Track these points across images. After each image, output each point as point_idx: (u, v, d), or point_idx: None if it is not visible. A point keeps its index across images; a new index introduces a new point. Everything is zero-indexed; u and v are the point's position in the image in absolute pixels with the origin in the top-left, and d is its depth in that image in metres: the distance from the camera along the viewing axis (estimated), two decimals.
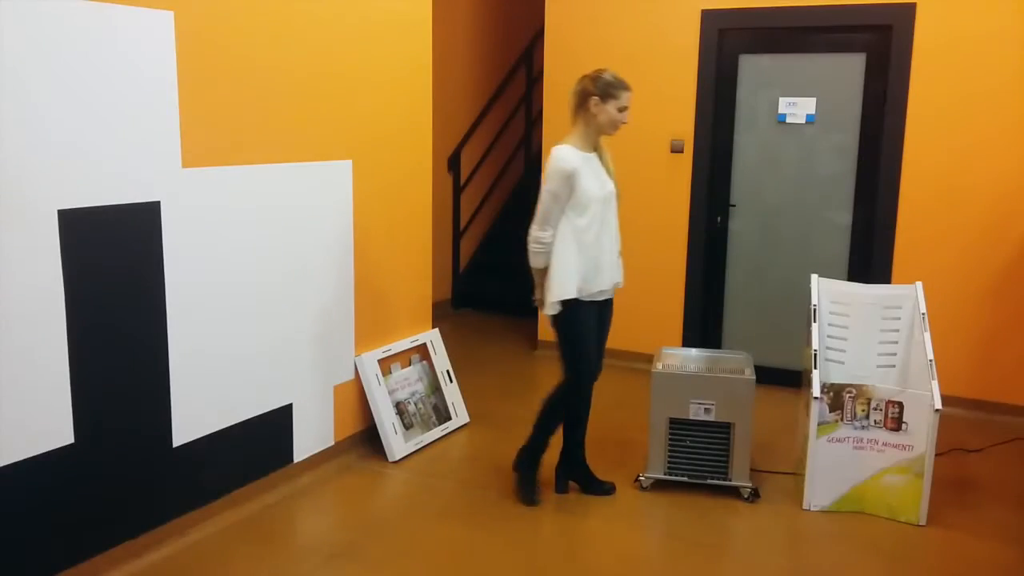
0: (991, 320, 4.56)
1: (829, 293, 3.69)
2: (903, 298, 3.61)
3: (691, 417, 3.54)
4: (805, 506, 3.48)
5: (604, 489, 3.62)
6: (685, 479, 3.60)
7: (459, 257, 7.00)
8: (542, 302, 3.39)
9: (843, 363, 3.64)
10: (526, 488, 3.53)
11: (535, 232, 3.29)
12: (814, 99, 4.79)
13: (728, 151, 5.01)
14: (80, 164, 2.68)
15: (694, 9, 4.96)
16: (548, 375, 5.27)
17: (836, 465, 3.43)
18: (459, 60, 6.72)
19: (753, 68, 4.92)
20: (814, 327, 3.57)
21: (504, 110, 7.32)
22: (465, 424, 4.38)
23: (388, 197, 4.05)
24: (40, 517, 2.69)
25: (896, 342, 3.59)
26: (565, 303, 3.29)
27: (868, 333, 3.51)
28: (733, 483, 3.56)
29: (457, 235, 6.93)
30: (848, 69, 4.72)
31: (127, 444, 2.93)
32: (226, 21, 3.11)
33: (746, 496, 3.54)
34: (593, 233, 3.28)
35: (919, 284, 3.58)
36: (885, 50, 4.61)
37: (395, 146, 4.06)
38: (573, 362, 3.39)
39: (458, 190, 6.86)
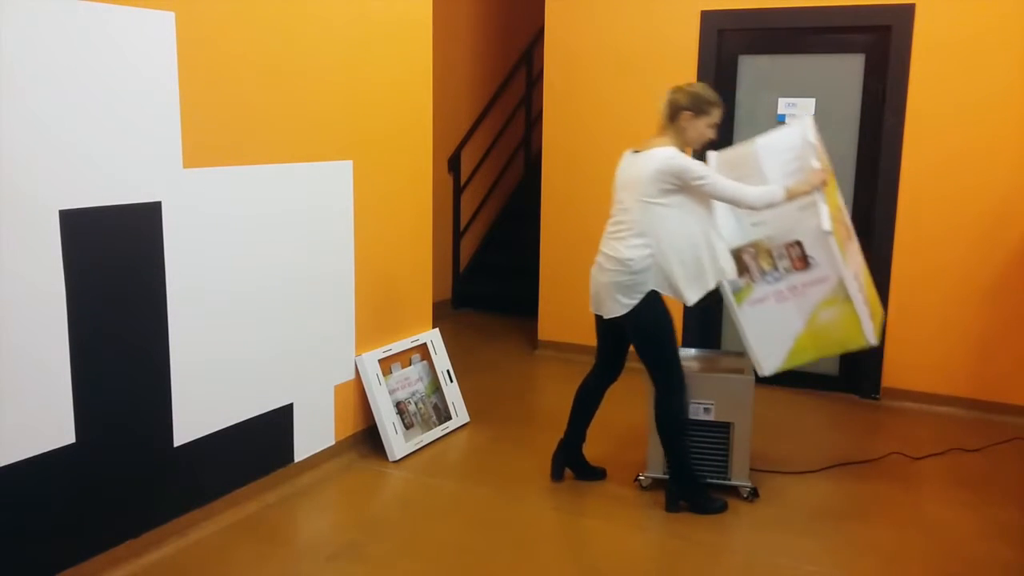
0: (991, 320, 4.57)
1: (727, 163, 3.57)
2: (791, 137, 3.46)
3: (691, 417, 3.54)
4: (761, 373, 3.47)
5: (597, 475, 3.66)
6: None
7: (459, 257, 7.00)
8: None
9: (765, 222, 3.46)
10: (706, 503, 3.45)
11: (750, 196, 3.18)
12: (813, 100, 4.80)
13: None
14: (81, 165, 2.68)
15: (694, 10, 4.97)
16: (548, 375, 5.28)
17: (769, 325, 3.39)
18: (459, 60, 6.73)
19: (752, 69, 4.93)
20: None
21: (504, 110, 7.33)
22: (465, 424, 4.38)
23: (388, 197, 4.06)
24: (40, 517, 2.69)
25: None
26: (651, 303, 3.26)
27: (775, 182, 3.40)
28: (733, 482, 3.56)
29: (457, 235, 6.94)
30: (847, 70, 4.73)
31: (128, 444, 2.94)
32: (226, 22, 3.12)
33: (745, 495, 3.55)
34: (703, 226, 3.27)
35: (808, 116, 3.46)
36: (884, 51, 4.62)
37: (395, 146, 4.07)
38: (671, 364, 3.34)
39: (458, 190, 6.86)
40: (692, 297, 3.26)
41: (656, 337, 3.33)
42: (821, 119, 4.80)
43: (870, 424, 4.50)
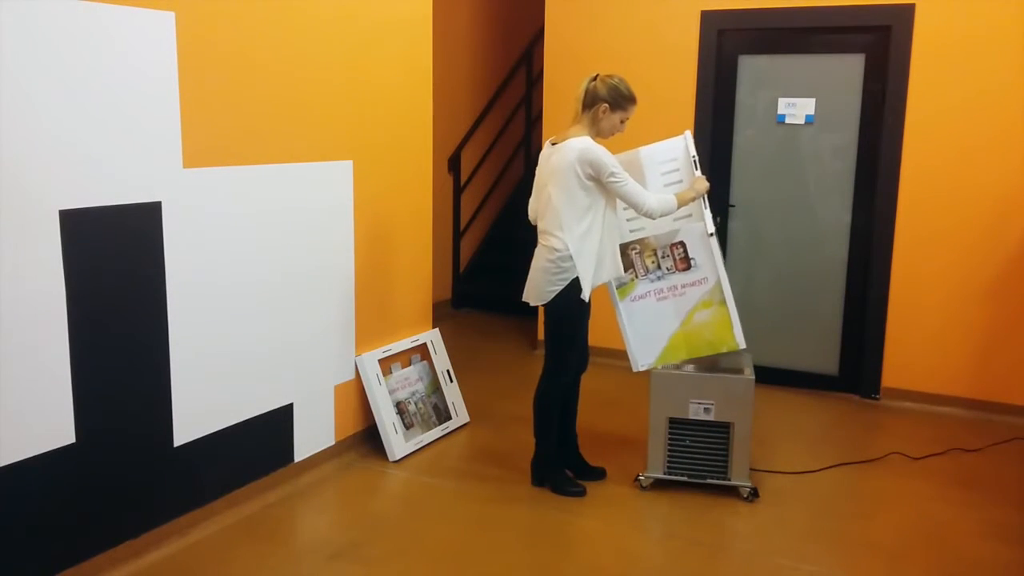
0: (991, 320, 4.57)
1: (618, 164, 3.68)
2: (674, 150, 3.60)
3: (691, 417, 3.54)
4: (634, 368, 3.58)
5: (596, 474, 3.70)
6: (685, 479, 3.61)
7: (459, 257, 7.00)
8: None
9: (644, 228, 3.61)
10: (565, 486, 3.58)
11: (650, 203, 3.29)
12: (813, 100, 4.79)
13: (727, 152, 5.02)
14: (81, 165, 2.68)
15: (694, 10, 4.96)
16: None
17: (647, 321, 3.53)
18: (459, 60, 6.73)
19: (752, 69, 4.93)
20: None
21: (504, 110, 7.32)
22: (465, 424, 4.38)
23: (388, 197, 4.06)
24: (40, 517, 2.69)
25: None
26: (570, 293, 3.35)
27: (653, 192, 3.52)
28: (732, 483, 3.56)
29: (457, 235, 6.94)
30: (847, 70, 4.72)
31: (128, 444, 2.94)
32: (226, 22, 3.11)
33: (745, 496, 3.55)
34: (610, 222, 3.41)
35: (687, 132, 3.61)
36: (884, 51, 4.62)
37: (395, 146, 4.07)
38: (565, 353, 3.48)
39: (458, 190, 6.86)
40: (585, 292, 3.38)
41: (561, 324, 3.45)
42: (821, 119, 4.80)
43: (870, 424, 4.50)
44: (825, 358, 4.96)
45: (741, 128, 4.98)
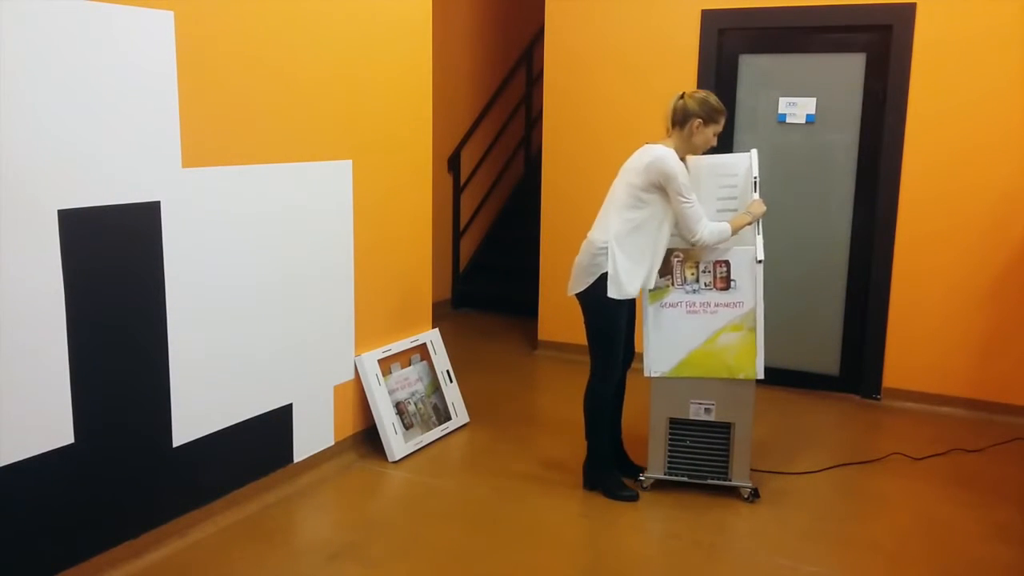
0: (991, 320, 4.56)
1: None
2: (736, 165, 3.61)
3: (691, 417, 3.54)
4: (646, 373, 3.55)
5: (635, 471, 3.70)
6: (685, 479, 3.61)
7: (459, 257, 7.00)
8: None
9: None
10: (616, 490, 3.56)
11: (703, 234, 3.29)
12: (814, 99, 4.79)
13: (728, 152, 5.01)
14: (80, 164, 2.68)
15: (694, 9, 4.96)
16: (548, 375, 5.28)
17: (672, 330, 3.50)
18: (459, 60, 6.72)
19: (753, 68, 4.92)
20: None
21: (504, 110, 7.32)
22: (465, 424, 4.38)
23: (388, 197, 4.05)
24: (40, 517, 2.69)
25: (735, 209, 3.57)
26: (598, 289, 3.35)
27: (705, 202, 3.53)
28: (733, 483, 3.56)
29: (457, 235, 6.94)
30: (848, 69, 4.72)
31: (127, 444, 2.93)
32: (226, 21, 3.11)
33: (746, 496, 3.55)
34: (663, 235, 3.41)
35: (754, 151, 3.60)
36: (885, 50, 4.61)
37: (395, 146, 4.06)
38: (604, 350, 3.48)
39: (458, 190, 6.86)
40: (613, 292, 3.37)
41: (595, 318, 3.45)
42: (822, 118, 4.80)
43: (871, 424, 4.50)
44: (826, 358, 4.96)
45: (742, 128, 4.98)
